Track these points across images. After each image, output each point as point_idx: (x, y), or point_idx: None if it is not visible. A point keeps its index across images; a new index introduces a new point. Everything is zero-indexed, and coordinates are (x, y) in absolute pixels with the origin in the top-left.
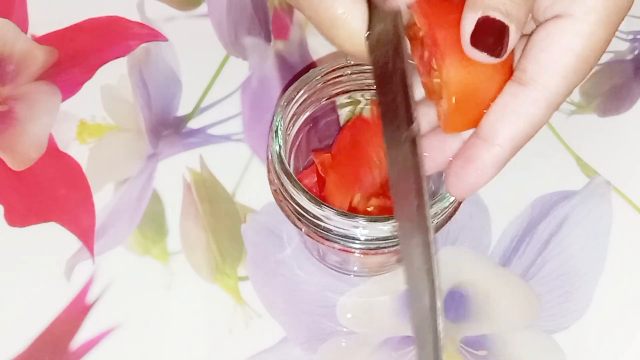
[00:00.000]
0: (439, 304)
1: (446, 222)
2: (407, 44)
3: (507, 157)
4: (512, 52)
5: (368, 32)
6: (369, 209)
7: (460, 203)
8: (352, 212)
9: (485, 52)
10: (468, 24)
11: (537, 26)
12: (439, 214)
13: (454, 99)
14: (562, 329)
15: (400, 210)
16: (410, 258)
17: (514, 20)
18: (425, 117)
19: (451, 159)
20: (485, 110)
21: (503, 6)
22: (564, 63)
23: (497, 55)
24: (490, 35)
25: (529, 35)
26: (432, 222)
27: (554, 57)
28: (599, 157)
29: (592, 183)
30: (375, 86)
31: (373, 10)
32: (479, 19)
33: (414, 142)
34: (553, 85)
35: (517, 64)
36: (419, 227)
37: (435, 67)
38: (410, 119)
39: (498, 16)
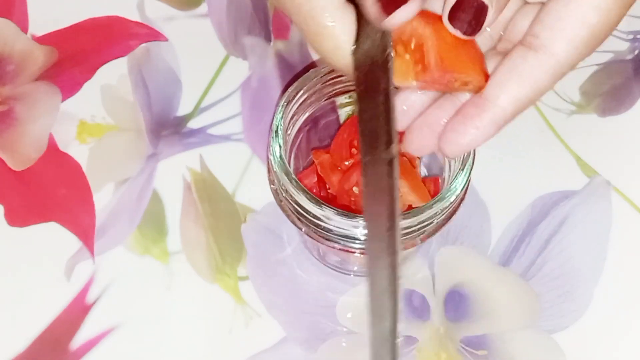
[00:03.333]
0: (399, 327)
1: (446, 222)
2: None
3: (507, 118)
4: None
5: (354, 47)
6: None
7: (460, 203)
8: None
9: (459, 29)
10: (450, 1)
11: None
12: (439, 214)
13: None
14: (561, 328)
15: (371, 230)
16: (376, 279)
17: (494, 2)
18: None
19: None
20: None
21: None
22: (578, 34)
23: (470, 34)
24: (469, 13)
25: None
26: (403, 242)
27: (570, 27)
28: (599, 157)
29: (592, 183)
30: (356, 102)
31: (362, 25)
32: None
33: (391, 164)
34: (563, 54)
35: (529, 29)
36: (388, 249)
37: (457, 80)
38: (390, 140)
39: None
